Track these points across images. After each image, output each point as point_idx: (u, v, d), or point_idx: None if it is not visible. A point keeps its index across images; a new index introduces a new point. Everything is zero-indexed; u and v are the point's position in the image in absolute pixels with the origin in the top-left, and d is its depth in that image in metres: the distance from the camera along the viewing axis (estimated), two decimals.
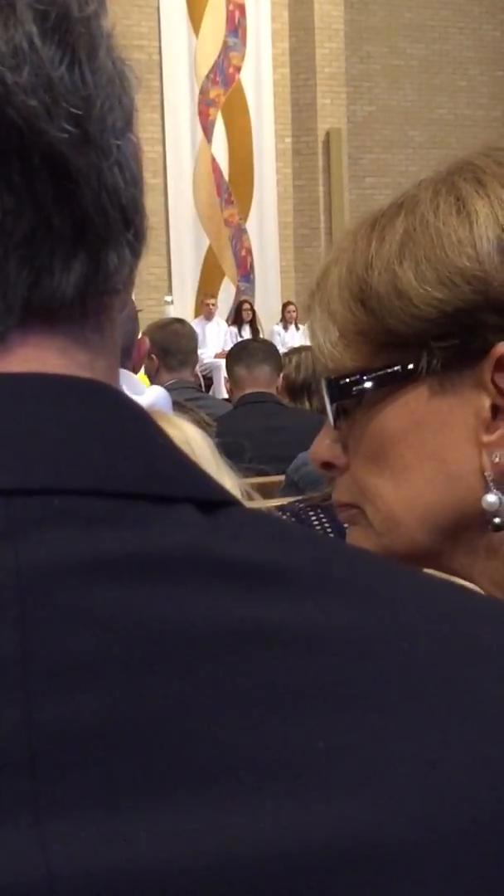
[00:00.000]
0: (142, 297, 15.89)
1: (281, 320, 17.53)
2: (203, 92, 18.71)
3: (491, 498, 0.95)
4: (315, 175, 19.27)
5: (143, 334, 5.48)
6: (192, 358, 5.52)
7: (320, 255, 18.90)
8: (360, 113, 20.11)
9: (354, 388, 0.98)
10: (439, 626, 0.55)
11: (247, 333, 17.14)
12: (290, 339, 16.72)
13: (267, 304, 18.60)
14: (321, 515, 3.73)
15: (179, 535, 0.53)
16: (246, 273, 19.07)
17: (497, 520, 0.95)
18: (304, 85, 19.30)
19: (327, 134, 19.26)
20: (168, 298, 16.71)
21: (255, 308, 17.83)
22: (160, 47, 18.37)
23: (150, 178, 18.69)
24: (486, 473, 0.95)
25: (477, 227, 0.94)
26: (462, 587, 0.62)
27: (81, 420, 0.56)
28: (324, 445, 1.03)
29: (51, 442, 0.54)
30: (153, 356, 5.26)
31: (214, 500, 0.56)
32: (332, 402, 1.00)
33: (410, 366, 0.96)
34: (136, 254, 0.60)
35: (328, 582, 0.55)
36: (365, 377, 0.98)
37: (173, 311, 16.17)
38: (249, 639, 0.51)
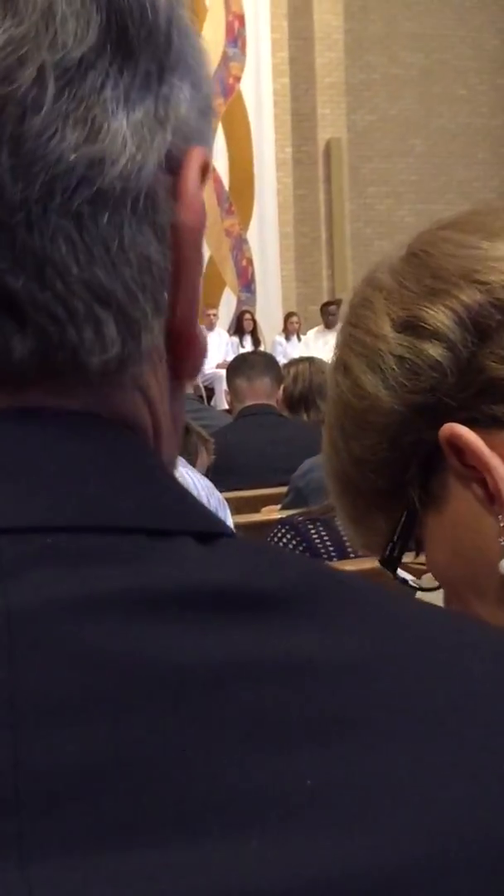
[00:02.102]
0: None
1: (283, 331, 17.52)
2: None
3: None
4: (316, 185, 19.28)
5: None
6: None
7: (321, 264, 18.93)
8: (361, 122, 20.12)
9: (394, 554, 1.03)
10: (432, 655, 0.55)
11: (248, 344, 17.14)
12: (292, 349, 16.70)
13: (268, 315, 18.59)
14: (320, 529, 3.75)
15: (174, 569, 0.53)
16: (247, 283, 19.07)
17: None
18: (304, 95, 19.32)
19: (328, 143, 19.27)
20: None
21: (257, 318, 17.82)
22: None
23: None
24: (499, 539, 0.97)
25: (357, 373, 1.01)
26: (458, 615, 0.62)
27: (76, 454, 0.56)
28: None
29: (44, 477, 0.54)
30: None
31: (211, 533, 0.57)
32: (399, 580, 1.06)
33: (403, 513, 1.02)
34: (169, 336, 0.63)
35: (323, 612, 0.54)
36: (391, 544, 1.04)
37: None
38: (240, 673, 0.50)
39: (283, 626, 0.53)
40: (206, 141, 0.63)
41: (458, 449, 0.97)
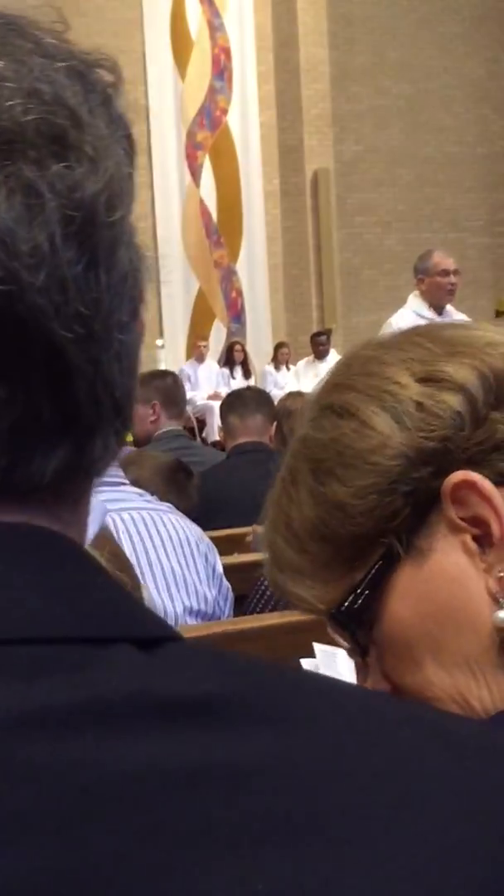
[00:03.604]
0: None
1: (273, 360, 17.56)
2: (190, 135, 18.82)
3: (502, 614, 0.97)
4: (304, 215, 19.35)
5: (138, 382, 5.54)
6: (184, 409, 5.62)
7: (310, 294, 18.99)
8: (348, 153, 20.21)
9: (356, 605, 1.02)
10: (385, 755, 0.54)
11: (239, 374, 17.19)
12: (282, 379, 16.76)
13: (258, 345, 18.64)
14: None
15: (115, 678, 0.53)
16: (236, 314, 19.12)
17: None
18: (290, 126, 19.41)
19: (315, 174, 19.35)
20: (159, 342, 16.73)
21: (247, 349, 17.87)
22: (146, 92, 18.48)
23: (138, 222, 18.40)
24: (494, 592, 0.98)
25: (367, 415, 1.02)
26: (411, 703, 0.63)
27: (16, 567, 0.56)
28: (371, 685, 1.05)
29: None
30: (154, 404, 5.32)
31: (153, 637, 0.57)
32: (349, 633, 1.03)
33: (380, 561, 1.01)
34: (122, 441, 0.62)
35: (269, 714, 0.54)
36: (358, 590, 1.02)
37: (165, 355, 16.20)
38: (187, 780, 0.50)
39: (228, 732, 0.53)
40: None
41: (460, 500, 0.98)
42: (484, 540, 0.99)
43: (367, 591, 1.02)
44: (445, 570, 1.00)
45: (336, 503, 1.02)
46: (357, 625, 1.03)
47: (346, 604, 1.03)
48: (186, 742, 0.51)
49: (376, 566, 1.01)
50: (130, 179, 0.62)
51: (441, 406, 1.00)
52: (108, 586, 0.59)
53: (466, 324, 1.09)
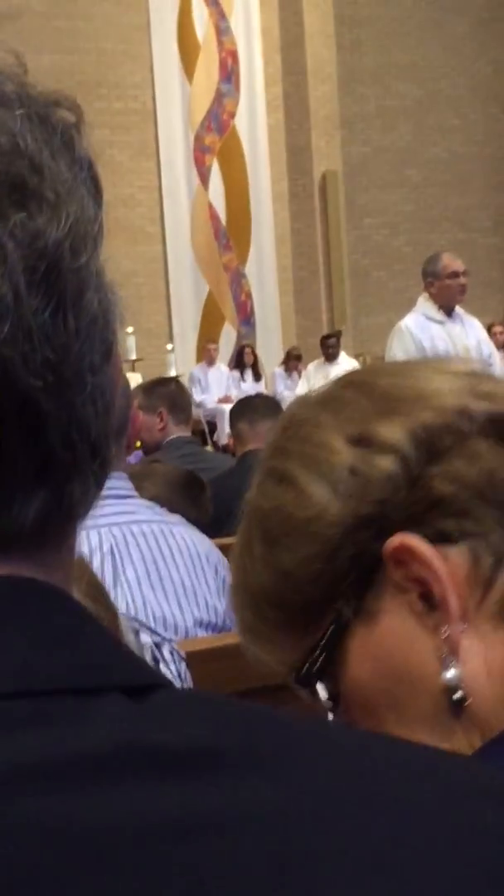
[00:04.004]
0: (142, 344, 15.95)
1: (284, 364, 17.56)
2: (198, 139, 18.82)
3: (449, 673, 0.98)
4: (312, 217, 19.35)
5: (141, 391, 5.54)
6: (183, 415, 5.58)
7: (320, 296, 18.98)
8: (356, 154, 20.21)
9: (314, 669, 1.03)
10: (376, 799, 0.54)
11: (249, 377, 17.19)
12: (293, 382, 16.75)
13: (268, 348, 18.64)
14: None
15: (104, 730, 0.53)
16: (246, 317, 19.12)
17: (457, 695, 0.98)
18: (298, 128, 19.40)
19: (323, 176, 19.35)
20: (169, 346, 16.74)
21: (257, 352, 17.86)
22: (154, 96, 18.52)
23: (147, 227, 18.83)
24: (439, 652, 0.98)
25: (304, 484, 1.02)
26: (409, 745, 0.62)
27: (2, 620, 0.56)
28: None
29: None
30: (161, 412, 5.30)
31: (143, 685, 0.57)
32: (311, 695, 1.05)
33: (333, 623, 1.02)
34: (101, 483, 0.61)
35: (260, 762, 0.54)
36: (314, 655, 1.03)
37: (174, 358, 16.21)
38: (178, 834, 0.50)
39: (220, 781, 0.52)
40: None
41: (402, 561, 0.98)
42: (430, 598, 0.99)
43: (322, 655, 1.03)
44: (395, 630, 1.00)
45: (284, 571, 1.03)
46: (319, 683, 1.04)
47: (304, 668, 1.04)
48: (176, 794, 0.51)
49: (329, 631, 1.02)
50: (97, 220, 0.61)
51: (374, 470, 1.00)
52: (96, 634, 0.59)
53: (405, 369, 1.09)
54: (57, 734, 0.52)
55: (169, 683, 0.59)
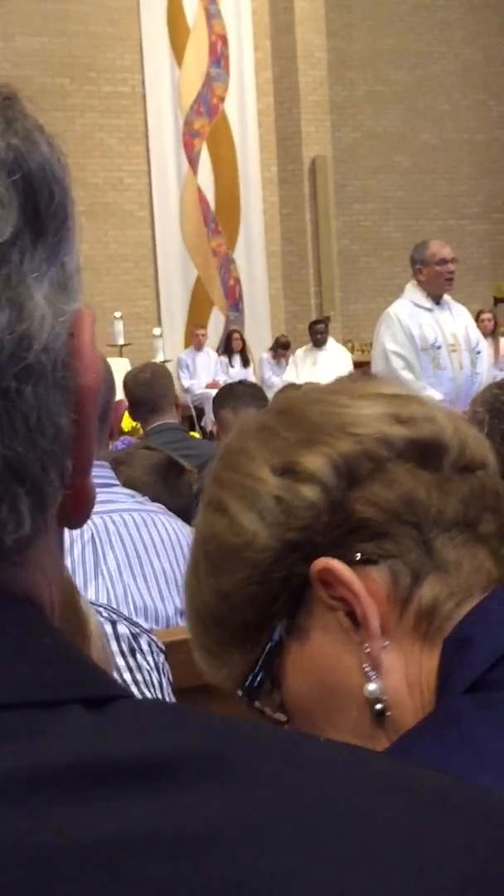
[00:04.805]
0: (131, 329, 15.92)
1: (272, 351, 17.54)
2: (187, 123, 18.76)
3: (371, 686, 1.06)
4: (301, 203, 19.31)
5: (125, 383, 5.49)
6: (165, 402, 5.49)
7: (309, 282, 18.96)
8: (346, 140, 20.17)
9: (255, 685, 1.11)
10: (336, 809, 0.53)
11: (237, 363, 17.18)
12: (281, 367, 16.74)
13: (256, 333, 18.62)
14: None
15: (61, 743, 0.52)
16: (235, 302, 19.09)
17: (378, 706, 1.06)
18: (288, 113, 19.35)
19: (313, 161, 19.31)
20: (157, 331, 16.70)
21: (245, 337, 17.84)
22: (143, 80, 18.44)
23: (136, 211, 18.79)
24: (363, 666, 1.06)
25: (235, 512, 1.10)
26: (367, 752, 0.62)
27: None
28: None
29: None
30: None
31: (103, 697, 0.56)
32: (256, 710, 1.13)
33: (276, 635, 1.10)
34: (43, 506, 0.61)
35: (218, 771, 0.53)
36: (255, 670, 1.11)
37: (163, 343, 16.18)
38: (136, 848, 0.49)
39: (180, 794, 0.52)
40: (81, 296, 0.66)
41: (327, 582, 1.06)
42: (355, 616, 1.06)
43: (261, 671, 1.11)
44: (325, 646, 1.08)
45: (223, 593, 1.11)
46: (272, 694, 1.12)
47: (246, 684, 1.12)
48: (134, 808, 0.50)
49: (266, 648, 1.10)
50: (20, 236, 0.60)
51: (297, 499, 1.07)
52: (55, 646, 0.58)
53: (333, 396, 1.14)
54: (14, 748, 0.52)
55: (130, 694, 0.58)
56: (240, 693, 1.13)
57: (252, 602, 1.09)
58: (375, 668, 1.06)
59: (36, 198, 0.59)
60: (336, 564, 1.05)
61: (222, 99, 18.99)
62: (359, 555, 1.07)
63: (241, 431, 1.16)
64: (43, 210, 0.60)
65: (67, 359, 0.60)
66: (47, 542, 0.62)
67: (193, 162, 18.81)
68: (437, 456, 1.10)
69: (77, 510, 0.64)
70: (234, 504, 1.10)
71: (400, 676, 1.06)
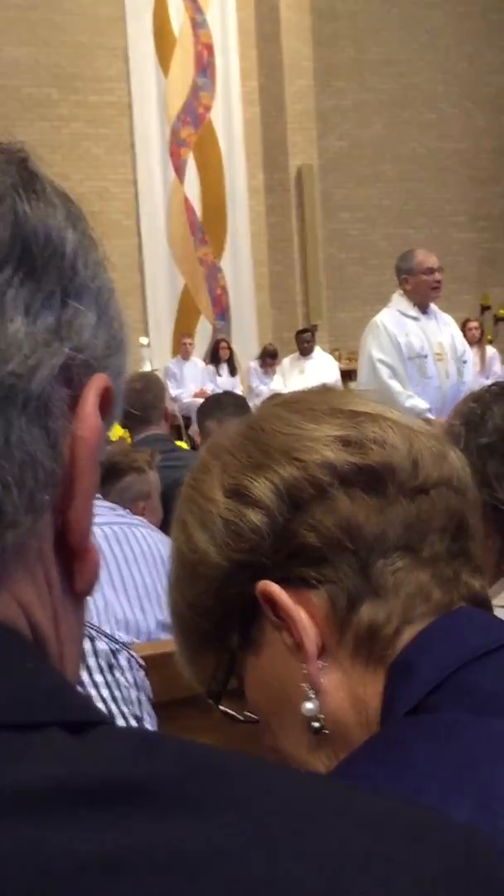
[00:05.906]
0: None
1: (259, 359, 17.55)
2: (174, 132, 18.78)
3: (308, 705, 1.10)
4: (288, 211, 19.33)
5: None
6: (154, 413, 5.53)
7: (296, 291, 18.98)
8: (332, 148, 20.19)
9: (216, 691, 1.17)
10: (308, 838, 0.53)
11: (225, 371, 17.19)
12: (269, 376, 16.76)
13: (244, 342, 18.63)
14: None
15: (40, 765, 0.53)
16: (221, 311, 19.10)
17: (315, 724, 1.10)
18: (274, 122, 19.38)
19: (299, 170, 19.33)
20: (144, 340, 16.69)
21: (232, 346, 17.85)
22: (129, 90, 18.45)
23: (123, 220, 18.79)
24: (301, 685, 1.10)
25: (191, 530, 1.15)
26: (326, 780, 0.63)
27: None
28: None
29: None
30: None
31: (83, 721, 0.57)
32: (220, 713, 1.18)
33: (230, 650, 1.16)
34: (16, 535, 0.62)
35: (192, 801, 0.54)
36: (215, 677, 1.17)
37: (150, 353, 16.17)
38: (107, 870, 0.50)
39: (153, 817, 0.52)
40: (117, 371, 0.68)
41: (271, 602, 1.10)
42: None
43: (221, 679, 1.17)
44: (274, 661, 1.13)
45: (188, 603, 1.17)
46: (236, 702, 1.18)
47: (208, 690, 1.18)
48: (106, 829, 0.51)
49: (225, 658, 1.16)
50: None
51: (244, 522, 1.12)
52: (37, 669, 0.59)
53: (293, 416, 1.16)
54: None
55: (109, 721, 0.59)
56: (209, 697, 1.19)
57: (210, 614, 1.15)
58: (314, 689, 1.10)
59: (27, 240, 0.63)
60: (275, 589, 1.10)
61: (208, 108, 19.00)
62: (300, 579, 1.10)
63: (210, 445, 1.20)
64: (35, 253, 0.63)
65: (53, 401, 0.62)
66: (19, 571, 0.62)
67: (180, 171, 18.82)
68: (382, 481, 1.12)
69: (80, 570, 0.65)
70: (190, 522, 1.16)
71: (342, 696, 1.10)
